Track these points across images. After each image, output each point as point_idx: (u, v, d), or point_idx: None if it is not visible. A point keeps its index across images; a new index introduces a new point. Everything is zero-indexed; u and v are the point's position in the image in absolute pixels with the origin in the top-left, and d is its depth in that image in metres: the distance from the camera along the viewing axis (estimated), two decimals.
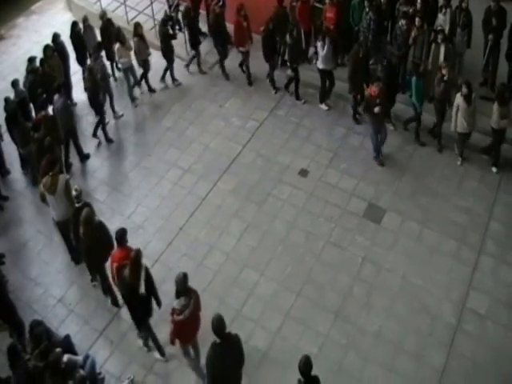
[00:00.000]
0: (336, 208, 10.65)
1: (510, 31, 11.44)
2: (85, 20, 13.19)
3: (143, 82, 13.46)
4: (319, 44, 11.95)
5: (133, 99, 13.17)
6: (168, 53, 13.19)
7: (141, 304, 8.05)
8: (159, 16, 14.61)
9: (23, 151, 11.25)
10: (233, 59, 13.44)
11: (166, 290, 8.54)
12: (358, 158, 11.54)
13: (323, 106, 12.63)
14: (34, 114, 11.76)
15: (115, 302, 9.27)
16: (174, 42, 13.22)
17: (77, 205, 9.06)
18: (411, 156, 11.56)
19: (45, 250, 10.39)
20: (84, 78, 12.62)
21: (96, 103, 11.92)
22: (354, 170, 11.31)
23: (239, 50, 13.06)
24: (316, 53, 12.28)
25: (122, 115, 12.88)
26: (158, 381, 8.48)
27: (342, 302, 9.27)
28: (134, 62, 12.99)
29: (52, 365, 7.37)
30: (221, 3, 13.19)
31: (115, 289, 8.92)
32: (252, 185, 11.13)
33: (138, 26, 12.84)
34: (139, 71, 13.27)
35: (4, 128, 11.41)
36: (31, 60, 12.01)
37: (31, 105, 11.82)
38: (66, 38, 13.01)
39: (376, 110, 10.72)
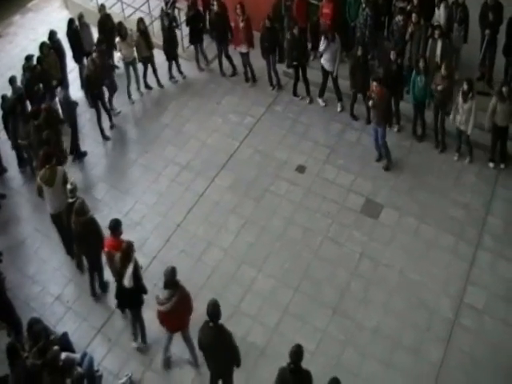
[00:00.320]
0: (333, 204, 10.65)
1: (507, 26, 11.41)
2: (80, 17, 13.12)
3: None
4: (322, 42, 11.93)
5: (130, 95, 13.17)
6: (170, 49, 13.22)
7: (129, 296, 8.17)
8: (156, 13, 14.63)
9: (23, 143, 11.18)
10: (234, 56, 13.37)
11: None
12: (355, 154, 11.53)
13: (320, 102, 12.61)
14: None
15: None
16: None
17: (70, 200, 9.05)
18: (409, 151, 11.56)
19: (42, 248, 10.39)
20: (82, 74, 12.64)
21: (91, 94, 11.93)
22: (352, 166, 11.30)
23: (236, 49, 13.01)
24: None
25: (120, 112, 12.86)
26: (156, 378, 8.48)
27: (339, 297, 9.28)
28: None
29: (50, 363, 7.35)
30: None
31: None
32: (249, 181, 11.13)
33: (139, 21, 12.79)
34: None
35: (0, 126, 11.39)
36: (28, 58, 11.98)
37: (28, 102, 11.80)
38: (62, 36, 12.99)
39: (370, 103, 10.75)
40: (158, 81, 13.44)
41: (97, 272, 9.27)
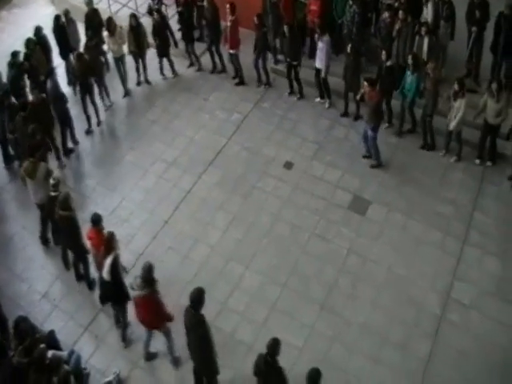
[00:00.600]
0: (321, 200, 10.66)
1: (495, 24, 11.45)
2: (66, 13, 13.04)
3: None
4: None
5: (126, 91, 13.12)
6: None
7: (109, 290, 8.25)
8: (143, 9, 14.57)
9: (10, 137, 11.07)
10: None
11: None
12: (342, 150, 11.55)
13: (318, 99, 12.61)
14: None
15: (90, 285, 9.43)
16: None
17: (53, 193, 9.06)
18: (396, 148, 11.59)
19: (29, 246, 10.30)
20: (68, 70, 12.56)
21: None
22: (339, 162, 11.31)
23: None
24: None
25: (111, 105, 12.84)
26: (143, 375, 8.44)
27: (327, 293, 9.28)
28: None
29: (36, 361, 7.30)
30: None
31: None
32: (237, 177, 11.10)
33: (131, 17, 12.72)
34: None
35: None
36: (14, 54, 11.87)
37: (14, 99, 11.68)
38: (48, 32, 12.87)
39: (357, 96, 10.76)
40: (146, 77, 13.37)
41: (82, 265, 9.25)
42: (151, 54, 13.26)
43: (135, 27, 12.66)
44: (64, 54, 13.14)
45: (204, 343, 7.29)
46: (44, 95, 11.27)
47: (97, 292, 9.08)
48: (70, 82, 13.11)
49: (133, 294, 7.81)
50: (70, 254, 9.54)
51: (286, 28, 12.11)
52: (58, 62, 13.20)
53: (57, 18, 12.92)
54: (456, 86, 10.46)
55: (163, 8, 14.10)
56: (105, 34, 12.55)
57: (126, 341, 8.74)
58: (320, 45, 11.81)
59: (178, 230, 10.25)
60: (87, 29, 13.03)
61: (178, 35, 14.10)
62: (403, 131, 11.74)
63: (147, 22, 13.41)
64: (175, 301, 8.70)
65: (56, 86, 11.57)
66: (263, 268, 9.64)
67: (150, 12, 13.76)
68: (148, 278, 7.56)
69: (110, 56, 13.20)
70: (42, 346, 7.42)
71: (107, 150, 11.94)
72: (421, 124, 11.44)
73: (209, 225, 10.33)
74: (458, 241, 9.93)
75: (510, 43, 11.33)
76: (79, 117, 12.11)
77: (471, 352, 8.50)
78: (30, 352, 7.37)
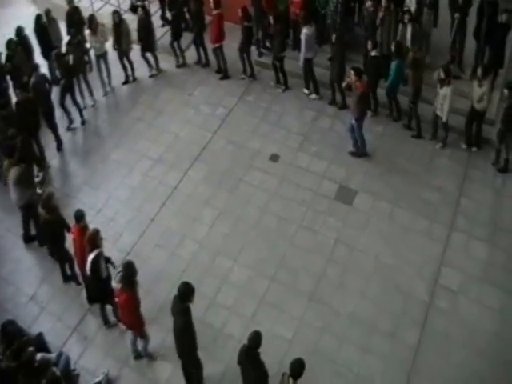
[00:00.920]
0: (307, 191, 10.65)
1: (478, 9, 11.46)
2: (48, 12, 12.94)
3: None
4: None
5: (105, 88, 13.01)
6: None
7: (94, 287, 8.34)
8: (125, 6, 14.47)
9: None
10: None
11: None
12: (328, 141, 11.54)
13: (306, 91, 12.57)
14: None
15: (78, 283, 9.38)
16: None
17: (38, 191, 9.08)
18: (381, 136, 11.60)
19: (15, 249, 10.21)
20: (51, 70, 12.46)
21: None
22: (325, 153, 11.30)
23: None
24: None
25: (94, 105, 12.76)
26: (133, 373, 8.42)
27: (315, 284, 9.29)
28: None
29: (25, 364, 7.28)
30: None
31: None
32: (223, 172, 11.07)
33: (114, 14, 12.65)
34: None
35: None
36: None
37: None
38: (30, 32, 12.75)
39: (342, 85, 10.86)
40: (132, 74, 13.29)
41: (61, 262, 9.26)
42: (136, 50, 13.16)
43: (118, 24, 12.58)
44: (46, 54, 12.98)
45: (185, 331, 7.33)
46: (30, 94, 11.19)
47: (84, 293, 9.04)
48: (54, 82, 12.98)
49: (114, 287, 7.89)
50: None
51: (271, 19, 12.14)
52: (41, 62, 13.02)
53: (38, 18, 12.83)
54: (442, 74, 10.44)
55: (146, 4, 14.00)
56: (87, 32, 12.44)
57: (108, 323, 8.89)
58: (303, 35, 11.81)
59: (164, 227, 10.21)
60: (69, 27, 12.94)
61: (161, 31, 14.06)
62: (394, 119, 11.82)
63: (130, 19, 13.30)
64: (164, 297, 8.75)
65: (41, 81, 11.42)
66: (251, 261, 9.63)
67: (132, 9, 13.68)
68: (126, 274, 7.55)
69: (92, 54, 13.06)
70: (31, 349, 7.41)
71: (91, 148, 11.85)
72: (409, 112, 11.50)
73: (196, 220, 10.30)
74: (444, 227, 9.96)
75: (493, 29, 11.35)
76: (63, 117, 12.05)
77: (460, 338, 8.55)
78: (18, 355, 7.35)
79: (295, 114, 12.22)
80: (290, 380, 6.66)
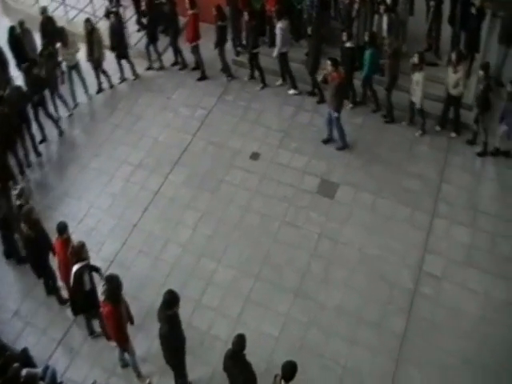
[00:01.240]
0: (289, 187, 10.65)
1: None
2: (21, 24, 12.88)
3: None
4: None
5: (75, 101, 12.90)
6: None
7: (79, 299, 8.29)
8: (101, 13, 14.41)
9: None
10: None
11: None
12: (308, 136, 11.54)
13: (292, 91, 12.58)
14: None
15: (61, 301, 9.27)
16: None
17: (18, 202, 9.05)
18: (360, 127, 11.61)
19: None
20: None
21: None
22: (305, 148, 11.31)
23: None
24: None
25: (72, 115, 12.69)
26: (120, 382, 8.35)
27: (300, 280, 9.29)
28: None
29: (10, 380, 7.24)
30: None
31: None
32: (204, 173, 11.05)
33: (86, 22, 12.58)
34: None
35: None
36: None
37: None
38: (3, 44, 12.71)
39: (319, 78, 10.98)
40: (109, 81, 13.27)
41: (45, 278, 9.20)
42: (111, 58, 13.13)
43: (90, 32, 12.54)
44: (21, 66, 12.96)
45: (169, 338, 7.31)
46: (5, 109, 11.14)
47: (68, 305, 8.99)
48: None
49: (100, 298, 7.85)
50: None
51: (245, 15, 12.18)
52: (17, 75, 13.00)
53: (12, 29, 12.75)
54: (415, 59, 10.50)
55: (121, 10, 13.98)
56: (58, 45, 12.32)
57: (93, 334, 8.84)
58: (277, 29, 11.82)
59: (147, 233, 10.18)
60: (43, 37, 12.89)
61: (138, 36, 14.04)
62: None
63: (106, 26, 13.24)
64: (149, 303, 8.74)
65: (14, 94, 11.35)
66: (235, 261, 9.63)
67: (107, 15, 13.63)
68: (110, 288, 7.45)
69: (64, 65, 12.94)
70: (16, 364, 7.36)
71: (70, 159, 11.74)
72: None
73: (178, 224, 10.28)
74: (426, 214, 9.98)
75: (467, 14, 11.38)
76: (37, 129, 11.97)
77: (445, 323, 8.58)
78: (3, 372, 7.30)
79: (275, 111, 12.21)
80: (282, 382, 6.61)
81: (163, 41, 13.52)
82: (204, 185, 10.87)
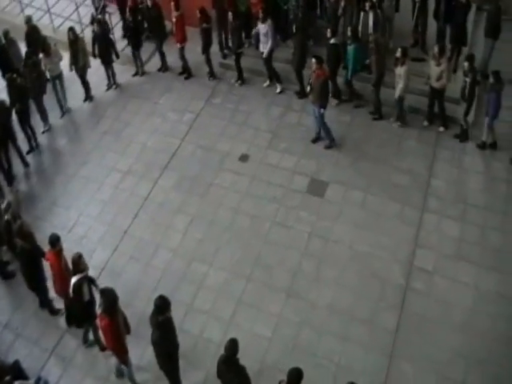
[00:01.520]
0: (279, 188, 10.65)
1: None
2: (6, 34, 12.84)
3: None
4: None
5: (62, 109, 12.85)
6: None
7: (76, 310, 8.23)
8: (86, 20, 14.40)
9: None
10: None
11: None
12: (297, 136, 11.55)
13: (278, 88, 12.61)
14: None
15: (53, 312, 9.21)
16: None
17: (6, 217, 9.01)
18: (348, 125, 11.62)
19: None
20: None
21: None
22: (294, 148, 11.31)
23: None
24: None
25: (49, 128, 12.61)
26: None
27: (292, 279, 9.28)
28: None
29: None
30: None
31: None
32: (193, 177, 11.04)
33: (69, 30, 12.51)
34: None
35: None
36: None
37: None
38: None
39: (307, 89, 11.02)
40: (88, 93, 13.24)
41: (38, 291, 9.13)
42: (97, 65, 13.13)
43: (74, 41, 12.52)
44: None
45: (161, 344, 7.31)
46: None
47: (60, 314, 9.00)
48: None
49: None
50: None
51: (230, 15, 12.23)
52: (2, 84, 12.95)
53: None
54: (398, 54, 10.57)
55: (107, 16, 13.98)
56: (40, 55, 12.28)
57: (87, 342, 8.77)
58: (263, 30, 11.86)
59: (138, 239, 10.16)
60: (28, 47, 12.86)
61: (124, 43, 14.03)
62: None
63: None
64: (142, 309, 8.71)
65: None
66: (226, 263, 9.61)
67: (93, 23, 13.63)
68: (106, 301, 7.39)
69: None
70: (8, 378, 7.31)
71: (58, 169, 11.68)
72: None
73: (169, 229, 10.26)
74: (416, 209, 9.98)
75: (450, 8, 11.42)
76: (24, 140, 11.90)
77: (437, 317, 8.58)
78: None
79: (262, 112, 12.22)
80: None
81: (149, 46, 13.52)
82: (194, 189, 10.85)
